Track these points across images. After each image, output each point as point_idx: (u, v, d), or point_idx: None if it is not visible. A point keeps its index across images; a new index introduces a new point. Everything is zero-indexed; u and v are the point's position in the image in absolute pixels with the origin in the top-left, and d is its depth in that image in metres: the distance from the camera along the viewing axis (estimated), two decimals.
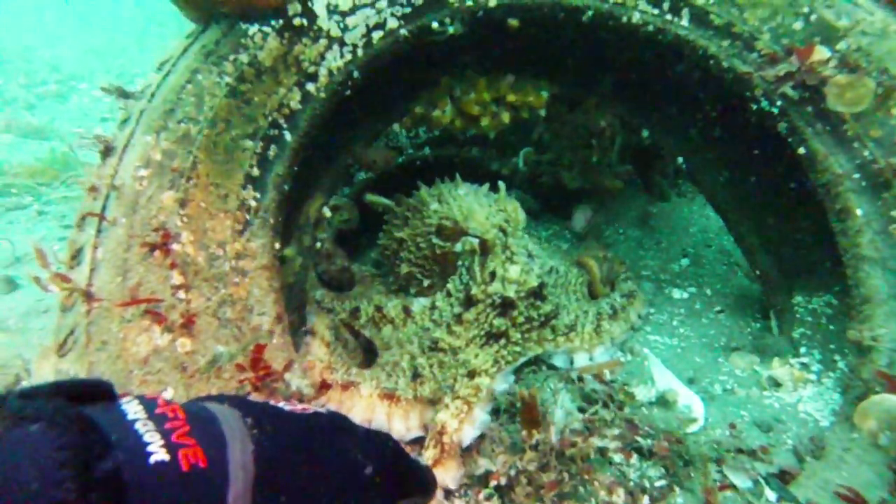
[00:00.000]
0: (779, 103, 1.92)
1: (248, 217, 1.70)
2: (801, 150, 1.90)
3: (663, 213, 3.46)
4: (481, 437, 1.76)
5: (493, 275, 1.97)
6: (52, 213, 4.18)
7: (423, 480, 1.18)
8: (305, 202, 2.29)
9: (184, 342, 1.44)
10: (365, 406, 1.85)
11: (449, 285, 2.11)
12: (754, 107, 1.99)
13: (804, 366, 1.94)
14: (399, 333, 2.15)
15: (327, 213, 2.32)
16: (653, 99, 2.56)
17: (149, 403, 0.76)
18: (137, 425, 0.71)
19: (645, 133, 2.56)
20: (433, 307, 2.13)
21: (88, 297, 1.50)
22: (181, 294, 1.50)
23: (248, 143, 1.78)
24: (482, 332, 1.96)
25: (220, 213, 1.66)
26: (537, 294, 2.00)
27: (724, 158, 2.50)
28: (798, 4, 1.94)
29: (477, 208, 2.11)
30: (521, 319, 1.98)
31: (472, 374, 1.87)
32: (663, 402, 1.84)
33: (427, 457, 1.69)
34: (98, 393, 0.77)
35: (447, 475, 1.63)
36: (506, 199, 2.18)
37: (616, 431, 1.61)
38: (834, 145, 1.86)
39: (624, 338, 2.28)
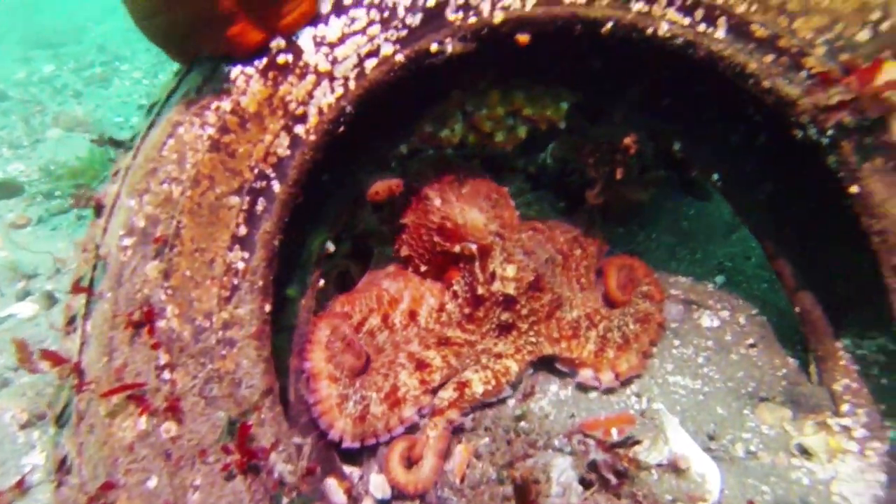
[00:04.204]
0: (830, 133, 1.65)
1: (235, 281, 1.65)
2: (854, 189, 1.64)
3: (702, 214, 3.19)
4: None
5: (493, 275, 2.14)
6: (91, 217, 4.32)
7: None
8: (308, 237, 2.22)
9: (168, 427, 1.42)
10: (384, 425, 2.01)
11: (455, 287, 2.26)
12: (799, 134, 1.72)
13: (844, 429, 1.73)
14: (396, 336, 2.25)
15: (331, 247, 2.25)
16: (687, 105, 2.28)
17: None
18: None
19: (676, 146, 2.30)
20: (441, 309, 2.27)
21: (79, 374, 1.50)
22: (166, 374, 1.47)
23: (234, 200, 1.70)
24: (493, 326, 2.18)
25: (206, 280, 1.61)
26: (535, 286, 2.17)
27: (766, 170, 2.21)
28: (868, 9, 1.62)
29: (476, 216, 2.23)
30: (525, 311, 2.16)
31: (499, 356, 2.12)
32: (675, 468, 1.70)
33: (444, 397, 2.00)
34: None
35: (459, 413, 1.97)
36: (503, 206, 2.34)
37: None
38: None
39: (632, 374, 2.17)
